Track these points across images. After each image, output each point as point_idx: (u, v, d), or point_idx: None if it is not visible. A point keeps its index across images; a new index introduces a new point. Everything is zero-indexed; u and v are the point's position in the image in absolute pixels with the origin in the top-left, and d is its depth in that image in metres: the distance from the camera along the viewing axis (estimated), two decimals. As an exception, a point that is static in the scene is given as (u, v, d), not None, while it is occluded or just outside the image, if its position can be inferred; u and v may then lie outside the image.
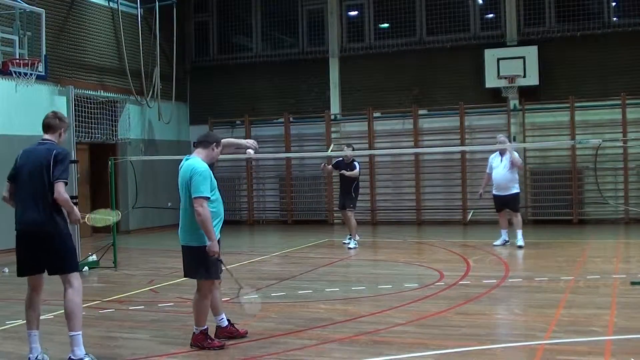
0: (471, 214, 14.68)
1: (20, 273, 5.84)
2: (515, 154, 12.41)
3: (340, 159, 13.42)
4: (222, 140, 6.46)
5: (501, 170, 12.39)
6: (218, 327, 6.30)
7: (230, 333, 6.31)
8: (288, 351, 5.89)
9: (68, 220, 5.71)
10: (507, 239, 12.64)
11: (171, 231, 17.92)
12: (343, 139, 18.34)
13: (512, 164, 12.29)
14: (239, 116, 19.34)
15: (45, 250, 5.63)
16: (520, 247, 12.16)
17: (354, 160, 13.19)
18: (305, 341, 6.22)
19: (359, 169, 13.25)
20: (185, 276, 6.30)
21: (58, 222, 5.63)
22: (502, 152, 12.47)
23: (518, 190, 12.58)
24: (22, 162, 5.74)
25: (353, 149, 13.45)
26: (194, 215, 6.03)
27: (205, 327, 6.09)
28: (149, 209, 16.80)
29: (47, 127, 5.87)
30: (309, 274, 10.24)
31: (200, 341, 6.04)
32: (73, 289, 5.67)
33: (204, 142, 6.32)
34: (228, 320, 6.38)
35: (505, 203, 12.51)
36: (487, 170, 12.82)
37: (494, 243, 12.69)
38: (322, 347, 5.95)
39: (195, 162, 6.16)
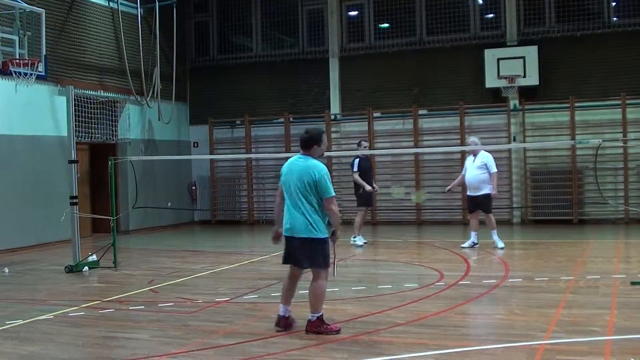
0: (417, 196, 14.39)
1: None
2: (493, 169, 12.28)
3: (363, 157, 13.46)
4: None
5: (473, 171, 12.33)
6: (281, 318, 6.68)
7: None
8: (288, 351, 5.88)
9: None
10: (476, 241, 12.45)
11: (171, 231, 18.12)
12: (343, 139, 18.37)
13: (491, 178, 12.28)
14: (239, 116, 19.35)
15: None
16: (501, 248, 12.06)
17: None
18: (305, 341, 6.21)
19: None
20: (300, 267, 6.71)
21: None
22: (474, 153, 12.43)
23: (490, 191, 12.40)
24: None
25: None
26: (315, 211, 6.45)
27: (321, 312, 6.49)
28: (149, 209, 16.81)
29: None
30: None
31: (317, 327, 6.43)
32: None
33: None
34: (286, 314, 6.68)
35: (477, 204, 12.40)
36: (462, 172, 12.79)
37: (462, 245, 12.54)
38: (322, 347, 5.95)
39: (315, 163, 6.57)
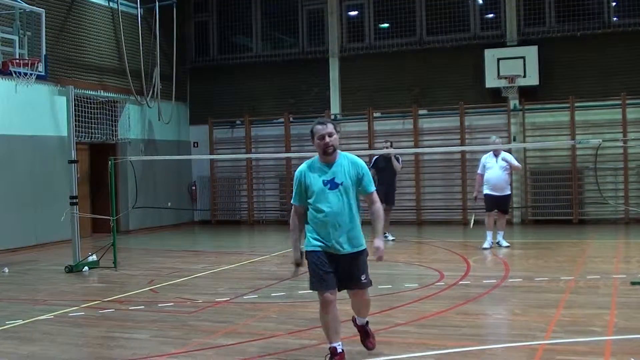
0: (473, 218, 14.48)
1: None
2: (515, 162, 12.38)
3: (378, 157, 13.88)
4: None
5: (497, 171, 12.20)
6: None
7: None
8: (288, 351, 5.88)
9: None
10: (493, 240, 12.43)
11: (171, 231, 18.11)
12: (343, 139, 18.34)
13: (512, 169, 12.34)
14: (239, 116, 19.35)
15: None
16: (507, 246, 12.23)
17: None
18: (305, 341, 6.21)
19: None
20: (358, 288, 5.63)
21: None
22: (496, 153, 12.31)
23: (510, 192, 12.60)
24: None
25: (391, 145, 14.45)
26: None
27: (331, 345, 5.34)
28: (149, 209, 16.81)
29: None
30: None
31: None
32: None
33: None
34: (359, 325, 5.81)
35: (498, 204, 12.35)
36: (479, 171, 12.57)
37: (483, 246, 12.25)
38: (322, 347, 5.94)
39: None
